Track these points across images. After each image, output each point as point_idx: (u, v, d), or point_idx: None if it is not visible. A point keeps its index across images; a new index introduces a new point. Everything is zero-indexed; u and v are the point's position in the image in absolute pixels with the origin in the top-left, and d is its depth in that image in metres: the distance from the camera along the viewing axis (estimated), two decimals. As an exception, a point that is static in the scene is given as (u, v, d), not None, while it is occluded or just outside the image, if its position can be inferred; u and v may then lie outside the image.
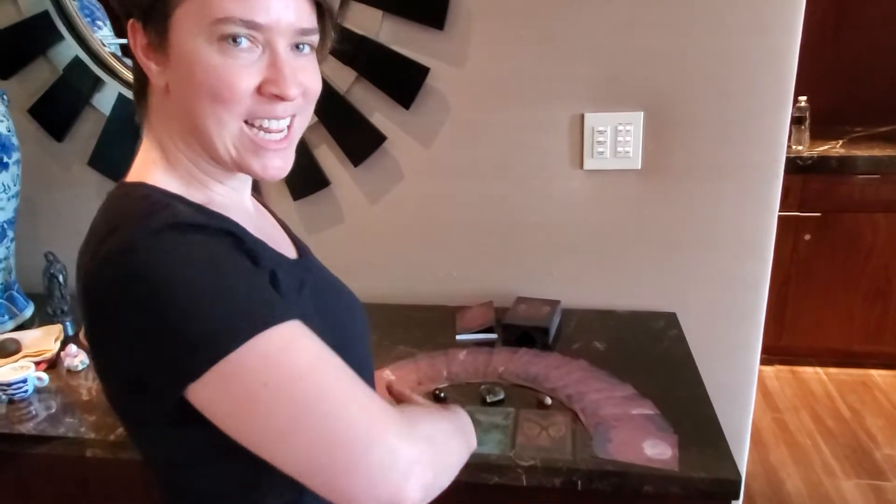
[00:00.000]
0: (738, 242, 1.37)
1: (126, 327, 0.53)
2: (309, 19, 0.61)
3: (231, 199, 0.68)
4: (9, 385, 1.14)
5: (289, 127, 0.63)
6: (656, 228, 1.39)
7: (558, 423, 1.04)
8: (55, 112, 1.55)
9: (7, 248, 1.45)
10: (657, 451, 0.96)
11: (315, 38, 0.63)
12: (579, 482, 0.94)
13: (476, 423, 1.04)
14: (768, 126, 1.28)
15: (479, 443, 0.98)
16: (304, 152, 1.46)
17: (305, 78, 0.61)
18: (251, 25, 0.57)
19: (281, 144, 0.62)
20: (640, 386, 1.13)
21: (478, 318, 1.38)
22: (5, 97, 1.44)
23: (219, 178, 0.66)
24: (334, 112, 1.40)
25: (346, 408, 0.52)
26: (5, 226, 1.42)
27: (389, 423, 0.52)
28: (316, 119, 1.42)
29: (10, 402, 1.16)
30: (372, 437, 0.51)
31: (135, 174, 0.64)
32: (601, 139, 1.33)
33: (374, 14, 1.33)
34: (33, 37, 1.50)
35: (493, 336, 1.33)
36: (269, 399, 0.50)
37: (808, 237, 2.52)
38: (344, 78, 1.38)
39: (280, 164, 0.63)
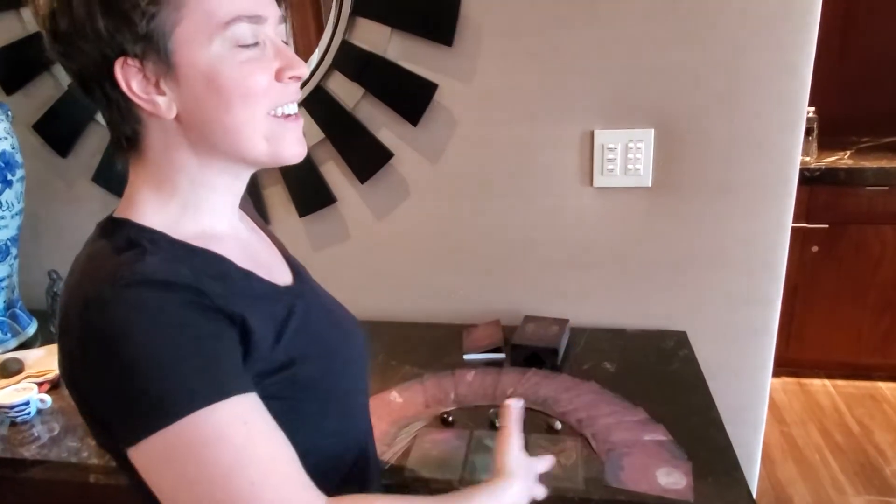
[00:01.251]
0: (749, 260, 1.35)
1: (88, 377, 0.54)
2: (278, 7, 0.64)
3: (225, 227, 0.68)
4: (11, 408, 1.13)
5: (296, 111, 0.67)
6: (667, 246, 1.37)
7: (569, 450, 1.02)
8: (59, 128, 1.54)
9: (10, 265, 1.43)
10: (671, 479, 0.94)
11: (284, 28, 0.66)
12: (592, 512, 0.92)
13: (485, 448, 1.03)
14: (781, 143, 1.26)
15: (489, 469, 0.97)
16: (310, 169, 1.44)
17: (302, 62, 0.65)
18: (256, 20, 0.60)
19: (299, 121, 0.66)
20: (651, 409, 1.11)
21: (485, 338, 1.36)
22: (9, 113, 1.43)
23: (222, 198, 0.67)
24: (341, 128, 1.39)
25: (272, 489, 0.52)
26: (9, 243, 1.40)
27: None
28: (322, 136, 1.41)
29: (13, 424, 1.14)
30: None
31: (123, 208, 0.63)
32: (611, 156, 1.32)
33: (383, 30, 1.31)
34: (38, 52, 1.48)
35: (502, 356, 1.31)
36: (187, 486, 0.51)
37: (815, 249, 2.50)
38: (351, 94, 1.37)
39: (302, 144, 0.67)
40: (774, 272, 1.35)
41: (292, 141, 0.65)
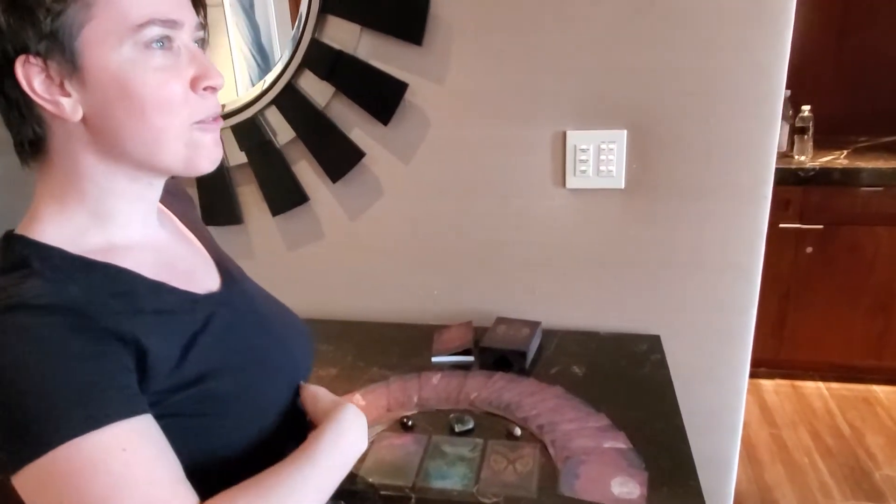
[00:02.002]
0: (725, 264, 1.33)
1: None
2: (198, 14, 0.63)
3: (136, 237, 0.65)
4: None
5: (216, 117, 0.65)
6: (640, 249, 1.35)
7: (526, 457, 1.01)
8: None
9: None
10: (625, 489, 0.93)
11: (202, 33, 0.64)
12: (543, 521, 0.91)
13: (442, 455, 1.02)
14: (756, 146, 1.24)
15: (444, 476, 0.97)
16: (283, 167, 1.43)
17: (219, 72, 0.62)
18: (170, 24, 0.58)
19: (215, 125, 0.64)
20: (615, 414, 1.09)
21: (455, 340, 1.35)
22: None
23: (132, 207, 0.65)
24: (313, 127, 1.38)
25: None
26: (-18, 240, 1.41)
27: None
28: (294, 134, 1.40)
29: None
30: None
31: (25, 222, 0.61)
32: (584, 157, 1.30)
33: (353, 28, 1.30)
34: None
35: (470, 359, 1.30)
36: None
37: (809, 250, 2.46)
38: (322, 93, 1.36)
39: (218, 149, 0.65)
40: (750, 276, 1.33)
41: (210, 149, 0.63)
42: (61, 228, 0.61)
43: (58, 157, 0.61)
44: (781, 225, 2.43)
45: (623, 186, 1.31)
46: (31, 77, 0.56)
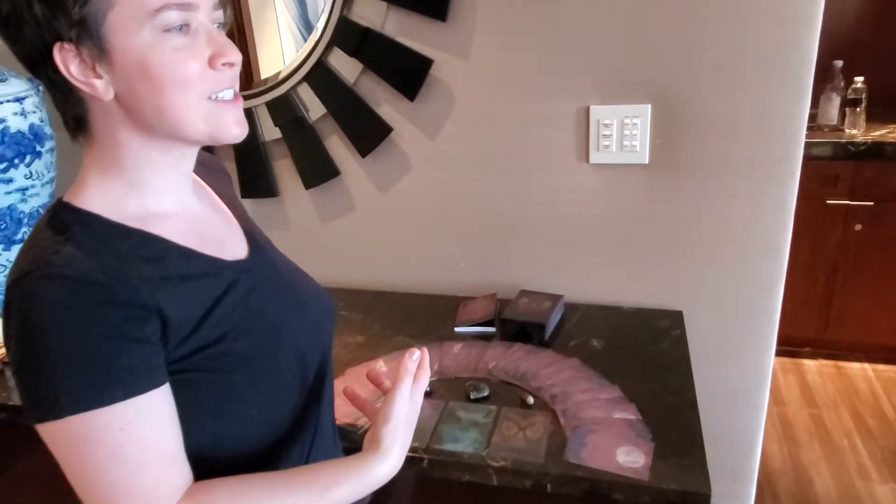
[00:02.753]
0: (751, 241, 1.31)
1: (9, 352, 0.60)
2: None
3: (171, 206, 0.71)
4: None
5: (236, 94, 0.69)
6: (664, 224, 1.35)
7: (537, 424, 1.04)
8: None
9: (44, 230, 1.55)
10: (630, 458, 0.96)
11: (222, 14, 0.67)
12: (549, 485, 0.95)
13: (456, 420, 1.07)
14: (785, 121, 1.21)
15: (456, 439, 1.02)
16: (315, 142, 1.49)
17: (236, 49, 0.66)
18: (184, 7, 0.61)
19: (238, 103, 0.68)
20: (628, 388, 1.11)
21: (478, 311, 1.39)
22: (40, 88, 1.53)
23: (165, 178, 0.70)
24: (342, 103, 1.42)
25: (118, 496, 0.58)
26: (41, 210, 1.51)
27: None
28: (324, 110, 1.44)
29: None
30: None
31: (72, 190, 0.67)
32: (607, 132, 1.30)
33: (380, 6, 1.33)
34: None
35: (492, 330, 1.34)
36: (66, 468, 0.59)
37: (858, 227, 2.37)
38: (351, 69, 1.39)
39: (243, 121, 0.69)
40: (778, 253, 1.31)
41: (230, 123, 0.67)
42: (103, 197, 0.66)
43: (98, 133, 0.66)
44: (829, 201, 2.35)
45: (647, 161, 1.30)
46: (68, 62, 0.61)
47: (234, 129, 0.68)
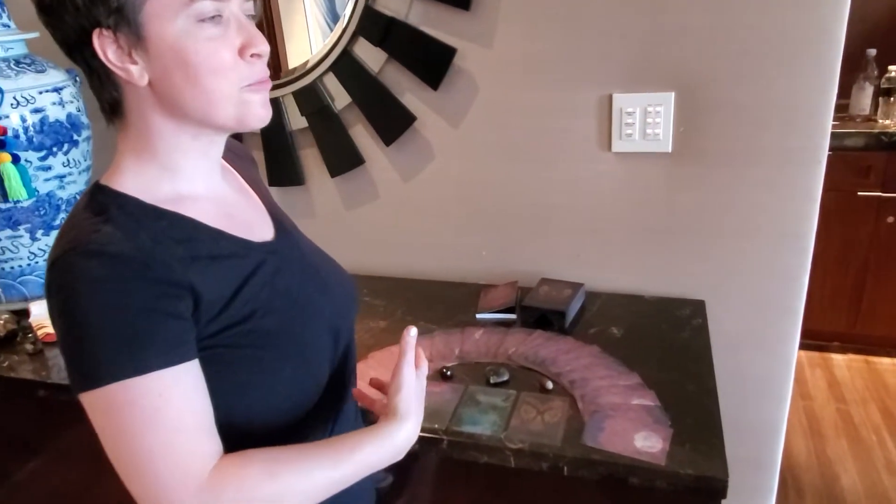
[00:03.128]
0: (775, 230, 1.30)
1: (55, 327, 0.63)
2: None
3: (202, 189, 0.74)
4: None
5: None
6: (687, 213, 1.34)
7: (555, 409, 1.06)
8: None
9: (81, 216, 1.61)
10: (647, 443, 0.96)
11: (252, 5, 0.69)
12: (565, 468, 0.96)
13: (476, 403, 1.09)
14: (811, 109, 1.20)
15: (475, 422, 1.03)
16: (340, 131, 1.51)
17: (265, 40, 0.68)
18: None
19: (264, 86, 0.70)
20: (648, 376, 1.12)
21: (499, 298, 1.40)
22: (78, 79, 1.58)
23: (195, 163, 0.73)
24: (367, 93, 1.44)
25: (159, 469, 0.61)
26: (77, 196, 1.57)
27: (186, 496, 0.61)
28: (350, 100, 1.47)
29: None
30: (160, 489, 0.61)
31: (108, 173, 0.71)
32: (629, 121, 1.30)
33: (404, -5, 1.34)
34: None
35: (513, 317, 1.35)
36: (105, 438, 0.62)
37: (891, 219, 2.32)
38: (375, 59, 1.41)
39: (267, 108, 0.71)
40: (802, 244, 1.30)
41: (258, 108, 0.70)
42: (137, 180, 0.70)
43: (132, 118, 0.69)
44: (860, 193, 2.31)
45: (670, 150, 1.30)
46: (105, 47, 0.64)
47: (261, 112, 0.70)
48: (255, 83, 0.69)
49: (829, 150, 1.25)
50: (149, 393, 0.60)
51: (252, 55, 0.67)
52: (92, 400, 0.61)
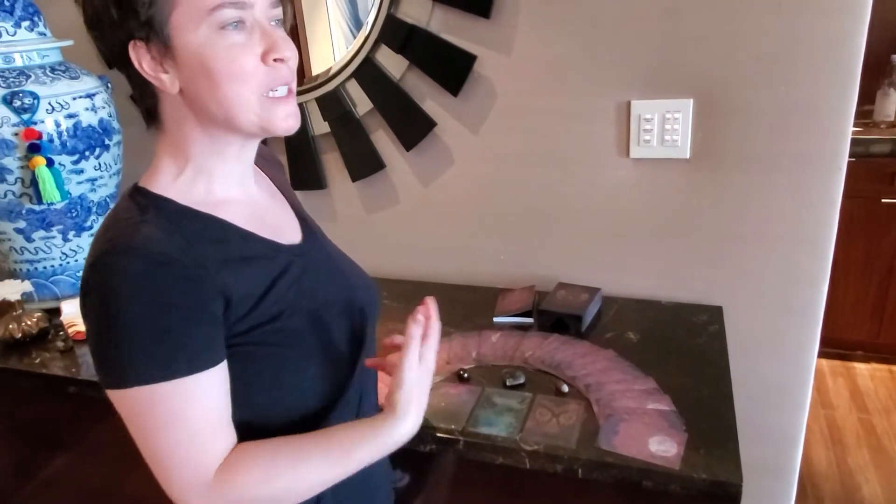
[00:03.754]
0: (795, 237, 1.30)
1: (87, 325, 0.66)
2: None
3: (234, 192, 0.77)
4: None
5: (290, 90, 0.73)
6: (705, 220, 1.35)
7: (570, 412, 1.07)
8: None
9: (110, 218, 1.66)
10: (662, 447, 0.97)
11: (280, 12, 0.71)
12: (580, 470, 0.97)
13: (492, 405, 1.11)
14: (831, 115, 1.20)
15: (491, 423, 1.05)
16: (362, 136, 1.54)
17: (290, 43, 0.70)
18: (239, 6, 0.66)
19: (290, 99, 0.72)
20: (663, 380, 1.13)
21: (517, 302, 1.42)
22: (109, 85, 1.63)
23: (229, 167, 0.75)
24: (389, 99, 1.47)
25: (177, 464, 0.65)
26: (108, 200, 1.62)
27: (194, 490, 0.65)
28: (371, 105, 1.49)
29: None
30: (179, 494, 0.65)
31: (146, 176, 0.74)
32: (648, 127, 1.30)
33: (425, 4, 1.37)
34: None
35: (530, 320, 1.37)
36: (131, 428, 0.65)
37: (917, 226, 2.29)
38: (397, 66, 1.44)
39: (295, 114, 0.73)
40: (822, 250, 1.29)
41: (282, 117, 0.72)
42: (173, 183, 0.73)
43: (168, 124, 0.73)
44: (885, 200, 2.28)
45: (688, 156, 1.31)
46: (140, 58, 0.68)
47: (285, 123, 0.72)
48: (278, 93, 0.71)
49: (852, 157, 1.24)
50: (172, 397, 0.63)
51: (275, 59, 0.69)
52: (119, 397, 0.64)
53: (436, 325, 0.80)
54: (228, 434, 0.69)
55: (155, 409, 0.64)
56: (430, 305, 0.80)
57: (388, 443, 0.73)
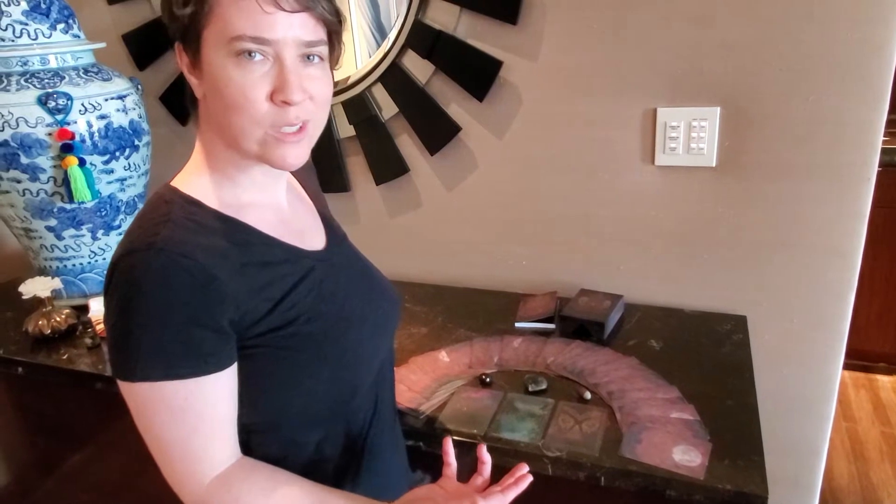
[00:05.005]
0: (822, 247, 1.29)
1: (107, 317, 0.68)
2: (314, 32, 0.69)
3: (261, 198, 0.78)
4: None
5: (301, 127, 0.71)
6: (730, 228, 1.34)
7: (593, 419, 1.07)
8: (180, 99, 1.76)
9: (137, 217, 1.68)
10: (686, 457, 0.97)
11: (323, 49, 0.71)
12: (603, 478, 0.97)
13: (514, 410, 1.11)
14: (860, 125, 1.18)
15: (513, 428, 1.05)
16: (387, 140, 1.55)
17: (311, 86, 0.69)
18: (260, 41, 0.66)
19: (296, 137, 0.71)
20: (687, 389, 1.12)
21: (538, 308, 1.42)
22: (140, 86, 1.66)
23: (252, 176, 0.76)
24: (414, 103, 1.48)
25: (176, 459, 0.68)
26: (136, 199, 1.65)
27: (188, 487, 0.68)
28: (397, 110, 1.51)
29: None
30: (176, 487, 0.68)
31: (177, 177, 0.75)
32: (674, 134, 1.30)
33: (453, 9, 1.38)
34: (164, 33, 1.70)
35: (551, 326, 1.37)
36: (137, 420, 0.67)
37: (944, 238, 2.25)
38: (423, 71, 1.45)
39: (296, 154, 0.72)
40: (850, 261, 1.28)
41: (282, 155, 0.70)
42: (203, 184, 0.74)
43: (202, 126, 0.75)
44: (912, 210, 2.24)
45: (714, 165, 1.30)
46: (181, 58, 0.71)
47: (282, 162, 0.71)
48: (287, 130, 0.70)
49: (881, 167, 1.23)
50: (175, 396, 0.65)
51: (282, 101, 0.68)
52: (126, 389, 0.67)
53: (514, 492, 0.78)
54: (230, 444, 0.71)
55: (159, 405, 0.66)
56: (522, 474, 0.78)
57: None
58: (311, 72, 0.70)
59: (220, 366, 0.67)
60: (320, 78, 0.71)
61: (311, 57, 0.70)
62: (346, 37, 1.56)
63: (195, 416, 0.66)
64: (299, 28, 0.67)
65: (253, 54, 0.66)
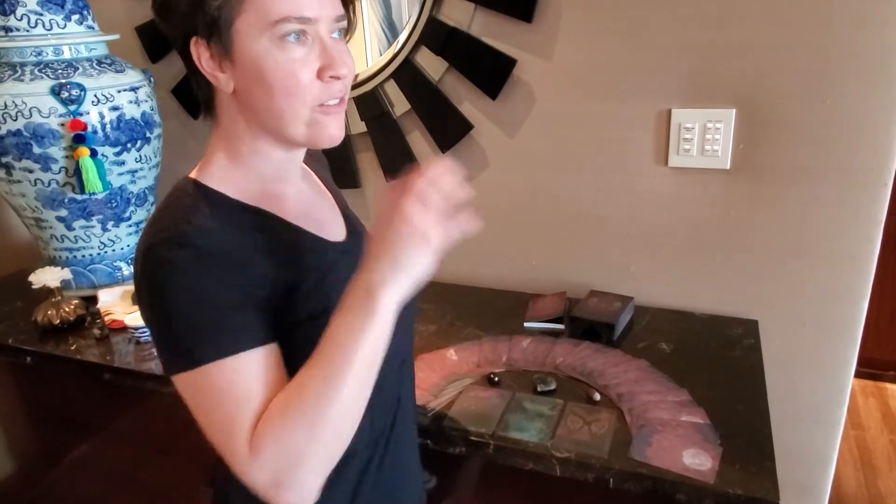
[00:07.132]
0: (836, 252, 1.28)
1: (142, 311, 0.68)
2: (340, 6, 0.70)
3: (284, 188, 0.77)
4: (136, 329, 1.36)
5: (341, 99, 0.72)
6: (744, 232, 1.33)
7: (602, 421, 1.06)
8: (191, 93, 1.76)
9: (148, 210, 1.68)
10: (696, 461, 0.96)
11: (345, 23, 0.72)
12: (611, 480, 0.96)
13: (523, 410, 1.10)
14: (878, 129, 1.17)
15: (522, 428, 1.05)
16: (398, 137, 1.55)
17: (348, 59, 0.71)
18: (303, 21, 0.66)
19: (338, 108, 0.72)
20: (698, 393, 1.11)
21: (548, 308, 1.41)
22: (152, 79, 1.66)
23: (276, 169, 0.76)
24: (426, 100, 1.48)
25: (225, 433, 0.64)
26: (147, 191, 1.65)
27: (238, 455, 0.63)
28: (409, 106, 1.50)
29: (138, 343, 1.37)
30: (231, 458, 0.64)
31: (199, 167, 0.75)
32: (688, 136, 1.29)
33: (467, 7, 1.37)
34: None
35: (561, 327, 1.36)
36: (193, 408, 0.66)
37: (957, 246, 2.23)
38: (436, 68, 1.44)
39: (338, 125, 0.72)
40: (864, 267, 1.27)
41: (331, 129, 0.72)
42: (225, 176, 0.74)
43: (222, 118, 0.74)
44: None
45: (728, 167, 1.29)
46: (200, 54, 0.69)
47: (333, 134, 0.72)
48: (329, 104, 0.70)
49: (894, 172, 1.22)
50: (224, 371, 0.64)
51: (331, 76, 0.69)
52: (180, 381, 0.66)
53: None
54: None
55: (206, 388, 0.65)
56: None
57: (379, 326, 0.64)
58: (340, 46, 0.71)
59: (258, 341, 0.66)
60: (348, 51, 0.72)
61: (337, 32, 0.71)
62: (357, 34, 1.58)
63: (241, 392, 0.64)
64: (330, 4, 0.69)
65: (296, 37, 0.67)
